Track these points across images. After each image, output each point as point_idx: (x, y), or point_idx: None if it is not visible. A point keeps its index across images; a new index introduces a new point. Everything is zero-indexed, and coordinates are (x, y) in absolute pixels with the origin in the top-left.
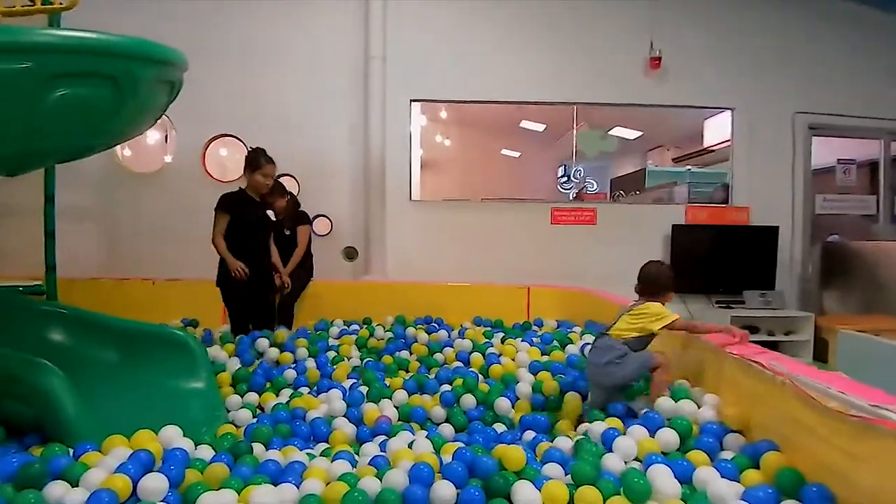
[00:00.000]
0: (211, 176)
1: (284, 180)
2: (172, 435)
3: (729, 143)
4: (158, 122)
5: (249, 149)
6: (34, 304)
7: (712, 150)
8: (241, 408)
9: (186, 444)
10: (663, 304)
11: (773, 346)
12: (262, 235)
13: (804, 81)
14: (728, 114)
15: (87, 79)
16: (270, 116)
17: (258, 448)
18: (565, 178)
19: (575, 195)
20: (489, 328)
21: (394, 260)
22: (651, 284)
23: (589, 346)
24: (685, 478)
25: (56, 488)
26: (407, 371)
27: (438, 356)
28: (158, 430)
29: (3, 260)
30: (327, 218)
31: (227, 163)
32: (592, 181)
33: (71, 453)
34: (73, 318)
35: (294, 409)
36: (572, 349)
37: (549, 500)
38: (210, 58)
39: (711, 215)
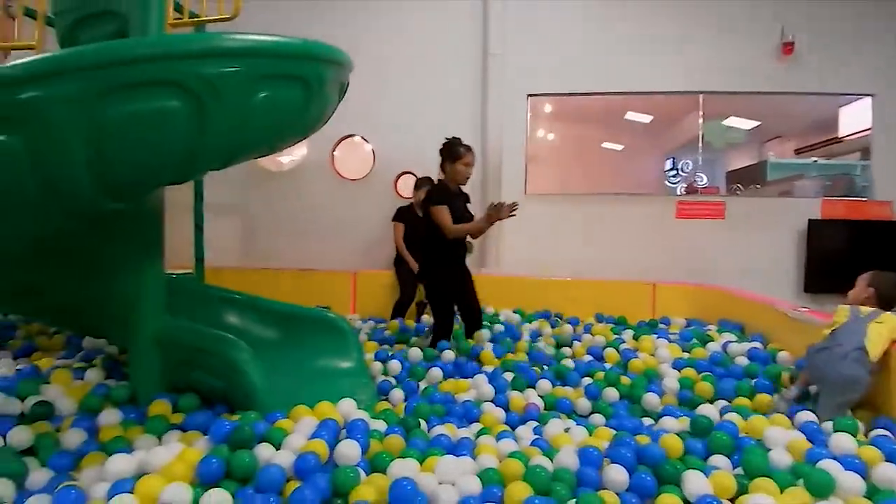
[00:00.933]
0: (339, 174)
1: (404, 178)
2: (349, 408)
3: (868, 133)
4: None
5: (445, 140)
6: (211, 289)
7: (840, 141)
8: (394, 387)
9: (363, 415)
10: None
11: None
12: None
13: None
14: (867, 101)
15: (285, 80)
16: (392, 116)
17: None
18: (673, 172)
19: (684, 189)
20: (613, 325)
21: (510, 254)
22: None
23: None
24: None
25: (264, 450)
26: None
27: (566, 350)
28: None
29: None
30: None
31: (351, 162)
32: (702, 175)
33: (264, 420)
34: (242, 302)
35: (444, 392)
36: (713, 346)
37: (719, 489)
38: None
39: (850, 210)
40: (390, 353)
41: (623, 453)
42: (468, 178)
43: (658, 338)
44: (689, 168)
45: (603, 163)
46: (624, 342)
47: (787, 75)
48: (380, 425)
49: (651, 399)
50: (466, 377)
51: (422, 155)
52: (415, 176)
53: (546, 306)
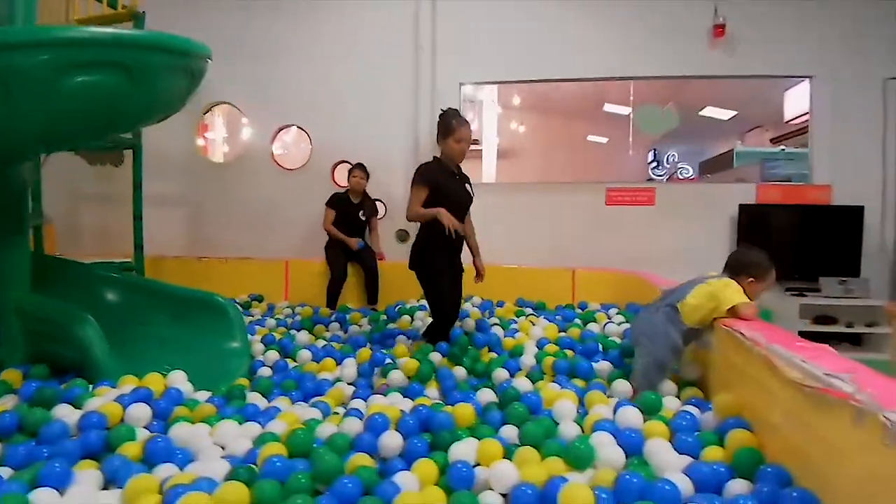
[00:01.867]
0: (278, 164)
1: (340, 167)
2: (178, 378)
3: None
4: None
5: (440, 111)
6: (95, 269)
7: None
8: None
9: (186, 387)
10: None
11: (852, 338)
12: (463, 212)
13: None
14: (807, 83)
15: (101, 67)
16: (328, 106)
17: (255, 397)
18: (655, 164)
19: (667, 180)
20: (530, 309)
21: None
22: (734, 263)
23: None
24: (637, 448)
25: (62, 409)
26: None
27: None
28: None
29: (106, 240)
30: (381, 202)
31: (293, 151)
32: (687, 166)
33: (90, 389)
34: (127, 283)
35: (310, 372)
36: (593, 327)
37: (484, 456)
38: (276, 54)
39: (786, 195)
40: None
41: (408, 420)
42: (464, 153)
43: (542, 318)
44: (674, 159)
45: (588, 156)
46: (516, 323)
47: (721, 59)
48: (201, 395)
49: (500, 374)
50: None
51: (357, 144)
52: (350, 164)
53: (471, 291)
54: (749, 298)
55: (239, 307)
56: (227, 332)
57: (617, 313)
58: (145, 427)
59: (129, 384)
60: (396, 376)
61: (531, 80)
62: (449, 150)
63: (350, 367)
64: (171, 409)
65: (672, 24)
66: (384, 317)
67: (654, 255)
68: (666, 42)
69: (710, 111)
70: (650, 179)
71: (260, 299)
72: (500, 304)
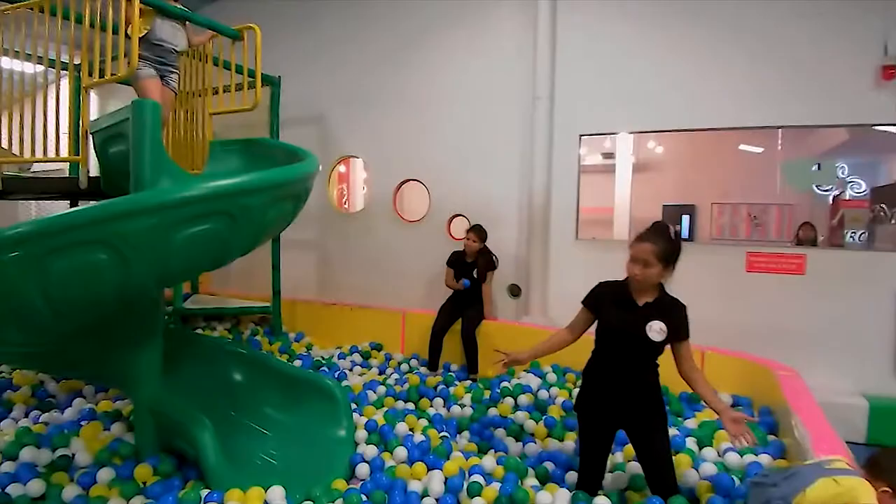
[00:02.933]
0: (400, 216)
1: (456, 221)
2: (276, 495)
3: None
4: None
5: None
6: (223, 345)
7: None
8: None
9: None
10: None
11: None
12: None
13: None
14: None
15: (207, 218)
16: (448, 160)
17: None
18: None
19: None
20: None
21: (558, 304)
22: (874, 463)
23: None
24: None
25: None
26: None
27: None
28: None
29: (250, 280)
30: (494, 256)
31: (409, 204)
32: (859, 181)
33: (202, 497)
34: (248, 360)
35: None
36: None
37: None
38: (397, 107)
39: None
40: None
41: None
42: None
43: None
44: (845, 173)
45: (736, 168)
46: None
47: (887, 102)
48: None
49: None
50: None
51: (472, 198)
52: (466, 219)
53: (562, 362)
54: None
55: (347, 388)
56: (333, 417)
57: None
58: None
59: (234, 500)
60: None
61: (658, 131)
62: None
63: (436, 480)
64: None
65: (828, 65)
66: (486, 393)
67: (799, 331)
68: (819, 86)
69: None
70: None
71: (379, 348)
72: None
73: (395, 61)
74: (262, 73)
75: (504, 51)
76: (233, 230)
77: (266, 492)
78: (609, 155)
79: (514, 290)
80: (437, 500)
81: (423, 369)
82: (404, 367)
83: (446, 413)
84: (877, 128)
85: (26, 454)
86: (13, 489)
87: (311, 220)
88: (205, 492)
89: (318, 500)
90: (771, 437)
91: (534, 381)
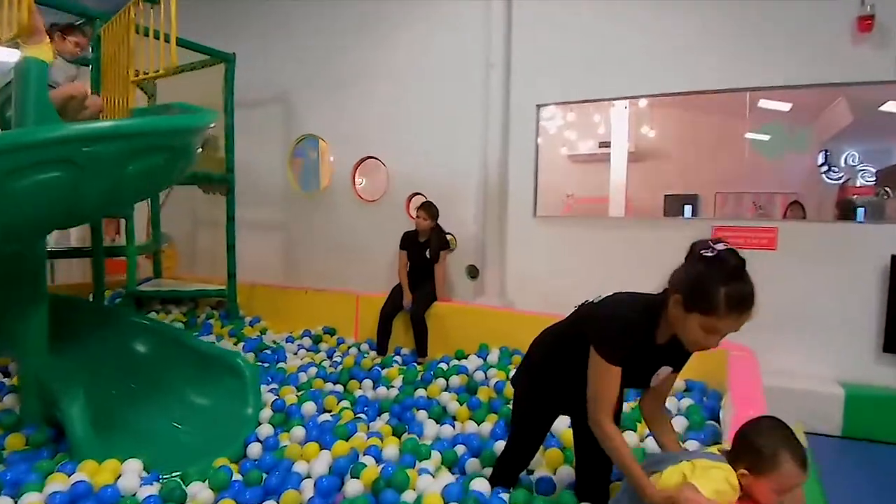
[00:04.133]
0: (359, 196)
1: (415, 199)
2: (131, 468)
3: None
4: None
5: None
6: (132, 318)
7: None
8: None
9: (132, 481)
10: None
11: None
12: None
13: None
14: None
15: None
16: (405, 137)
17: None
18: (826, 167)
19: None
20: None
21: (515, 283)
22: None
23: None
24: None
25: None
26: None
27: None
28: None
29: (217, 262)
30: (452, 236)
31: (368, 183)
32: (871, 168)
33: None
34: (161, 335)
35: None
36: None
37: None
38: (355, 84)
39: None
40: None
41: None
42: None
43: None
44: (855, 160)
45: (742, 157)
46: None
47: (868, 60)
48: (144, 490)
49: None
50: None
51: (431, 175)
52: (424, 198)
53: (514, 343)
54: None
55: (257, 366)
56: (241, 396)
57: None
58: None
59: (85, 472)
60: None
61: (623, 98)
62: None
63: (322, 461)
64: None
65: (801, 23)
66: (420, 375)
67: (772, 313)
68: (793, 44)
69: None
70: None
71: (332, 332)
72: None
73: (356, 37)
74: (215, 50)
75: (461, 18)
76: (81, 180)
77: (122, 465)
78: (606, 144)
79: (472, 272)
80: (315, 481)
81: (373, 353)
82: (353, 351)
83: (373, 395)
84: (883, 109)
85: None
86: None
87: (273, 202)
88: (61, 463)
89: (188, 477)
90: (711, 423)
91: (475, 363)
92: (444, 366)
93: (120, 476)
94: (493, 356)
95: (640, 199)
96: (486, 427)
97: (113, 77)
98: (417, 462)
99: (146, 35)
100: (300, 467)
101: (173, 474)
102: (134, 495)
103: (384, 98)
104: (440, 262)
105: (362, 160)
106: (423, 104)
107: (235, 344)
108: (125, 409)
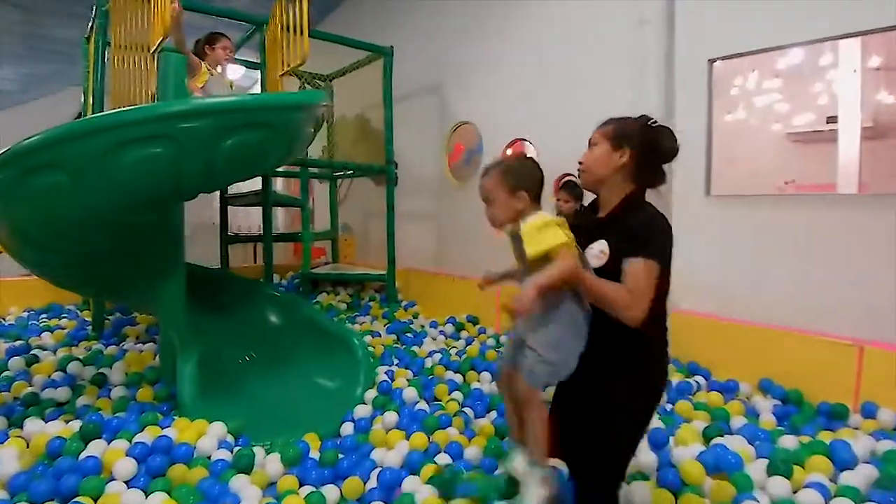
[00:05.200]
0: None
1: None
2: (215, 432)
3: None
4: None
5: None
6: (263, 288)
7: None
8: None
9: (208, 442)
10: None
11: None
12: None
13: None
14: None
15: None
16: (551, 115)
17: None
18: None
19: None
20: (779, 402)
21: (678, 277)
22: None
23: None
24: None
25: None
26: None
27: None
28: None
29: (379, 250)
30: None
31: None
32: None
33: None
34: (287, 305)
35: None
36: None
37: None
38: (502, 67)
39: None
40: None
41: None
42: None
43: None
44: None
45: None
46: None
47: None
48: (219, 453)
49: None
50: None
51: (581, 155)
52: (575, 179)
53: (698, 359)
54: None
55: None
56: (352, 374)
57: None
58: (126, 481)
59: (176, 428)
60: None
61: (842, 36)
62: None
63: (398, 451)
64: (165, 465)
65: None
66: None
67: None
68: None
69: None
70: None
71: (475, 321)
72: (732, 387)
73: (504, 18)
74: (372, 44)
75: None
76: (180, 155)
77: (208, 426)
78: (834, 119)
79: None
80: (380, 470)
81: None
82: (490, 342)
83: (488, 389)
84: None
85: (73, 368)
86: (46, 393)
87: (429, 191)
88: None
89: (273, 447)
90: None
91: None
92: None
93: (202, 437)
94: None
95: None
96: None
97: (271, 76)
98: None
99: (288, 30)
100: (378, 454)
101: (262, 444)
102: (209, 457)
103: (530, 77)
104: None
105: (511, 143)
106: (569, 78)
107: (386, 325)
108: (243, 375)
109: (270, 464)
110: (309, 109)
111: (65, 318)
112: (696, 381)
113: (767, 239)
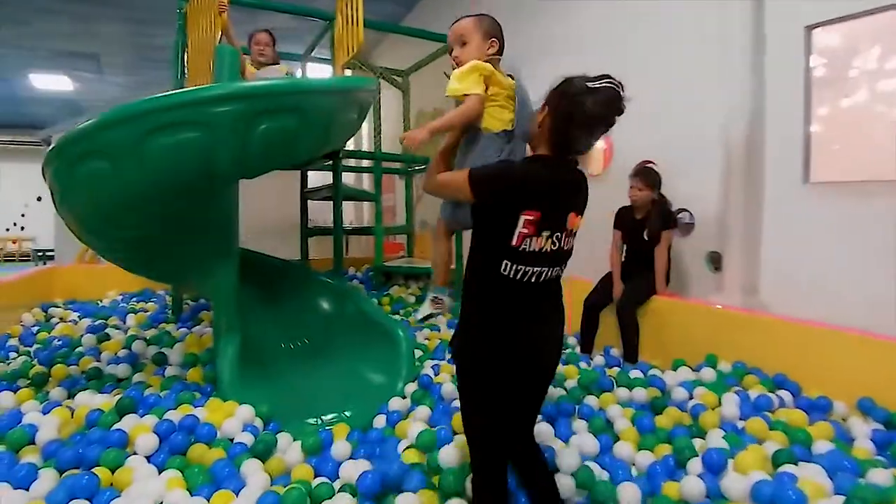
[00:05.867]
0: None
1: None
2: (242, 415)
3: None
4: None
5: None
6: (317, 276)
7: None
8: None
9: (232, 425)
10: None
11: None
12: None
13: None
14: None
15: (184, 125)
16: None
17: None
18: None
19: None
20: (882, 426)
21: (773, 277)
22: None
23: None
24: None
25: (129, 419)
26: None
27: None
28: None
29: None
30: (687, 211)
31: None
32: None
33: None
34: (339, 294)
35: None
36: None
37: None
38: (579, 51)
39: None
40: None
41: None
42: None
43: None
44: None
45: None
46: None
47: None
48: (243, 437)
49: None
50: None
51: (660, 140)
52: (654, 166)
53: (756, 359)
54: None
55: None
56: (394, 366)
57: None
58: (146, 456)
59: (207, 408)
60: None
61: None
62: None
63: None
64: (186, 444)
65: None
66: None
67: None
68: None
69: None
70: None
71: None
72: (823, 406)
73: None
74: (442, 34)
75: None
76: (211, 140)
77: (236, 409)
78: None
79: (715, 261)
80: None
81: (577, 349)
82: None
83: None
84: None
85: (137, 347)
86: (109, 368)
87: None
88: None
89: (297, 435)
90: None
91: (679, 377)
92: (638, 373)
93: (228, 418)
94: (711, 373)
95: None
96: (645, 458)
97: (337, 70)
98: None
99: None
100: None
101: (289, 430)
102: (231, 440)
103: (605, 61)
104: (661, 245)
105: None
106: (645, 59)
107: (448, 320)
108: (287, 362)
109: (289, 452)
110: (344, 95)
111: (152, 301)
112: (780, 396)
113: (878, 232)
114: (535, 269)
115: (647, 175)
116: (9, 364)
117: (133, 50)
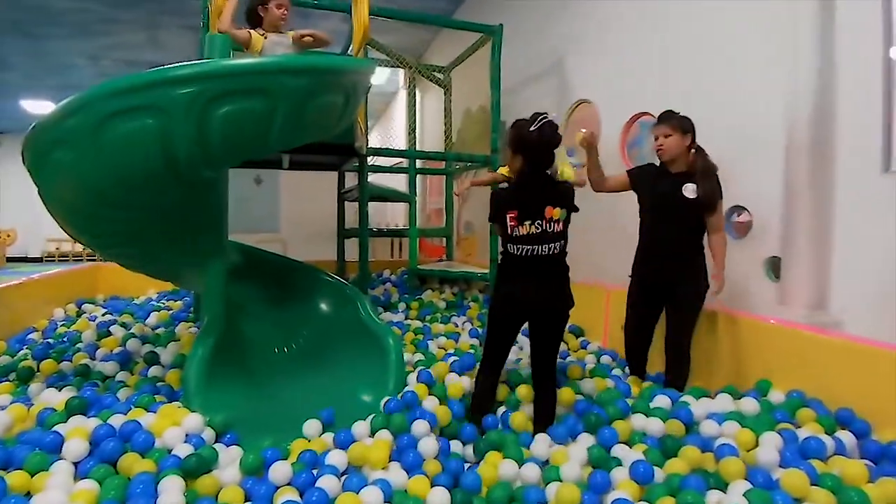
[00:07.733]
0: (628, 163)
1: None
2: (190, 424)
3: None
4: None
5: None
6: (321, 275)
7: None
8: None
9: (174, 435)
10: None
11: None
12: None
13: None
14: None
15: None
16: (680, 86)
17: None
18: None
19: None
20: None
21: (846, 288)
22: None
23: None
24: None
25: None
26: None
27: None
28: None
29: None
30: (746, 209)
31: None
32: None
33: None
34: (335, 289)
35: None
36: None
37: None
38: (623, 38)
39: None
40: None
41: None
42: None
43: None
44: None
45: None
46: None
47: None
48: (180, 449)
49: None
50: None
51: (715, 129)
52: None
53: (818, 388)
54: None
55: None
56: (382, 379)
57: None
58: (74, 462)
59: (158, 415)
60: None
61: None
62: None
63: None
64: (119, 452)
65: None
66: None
67: None
68: None
69: None
70: None
71: (578, 333)
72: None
73: None
74: (479, 24)
75: None
76: (171, 127)
77: (184, 418)
78: None
79: (775, 268)
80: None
81: (623, 370)
82: (590, 360)
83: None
84: None
85: (131, 345)
86: (98, 366)
87: None
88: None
89: (247, 450)
90: None
91: (712, 406)
92: (665, 399)
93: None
94: (753, 404)
95: None
96: None
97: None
98: None
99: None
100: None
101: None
102: (170, 451)
103: (654, 44)
104: (718, 215)
105: (634, 118)
106: (699, 41)
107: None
108: (271, 367)
109: (231, 469)
110: (320, 76)
111: (185, 300)
112: (839, 439)
113: None
114: (527, 247)
115: (672, 119)
116: (14, 357)
117: None
